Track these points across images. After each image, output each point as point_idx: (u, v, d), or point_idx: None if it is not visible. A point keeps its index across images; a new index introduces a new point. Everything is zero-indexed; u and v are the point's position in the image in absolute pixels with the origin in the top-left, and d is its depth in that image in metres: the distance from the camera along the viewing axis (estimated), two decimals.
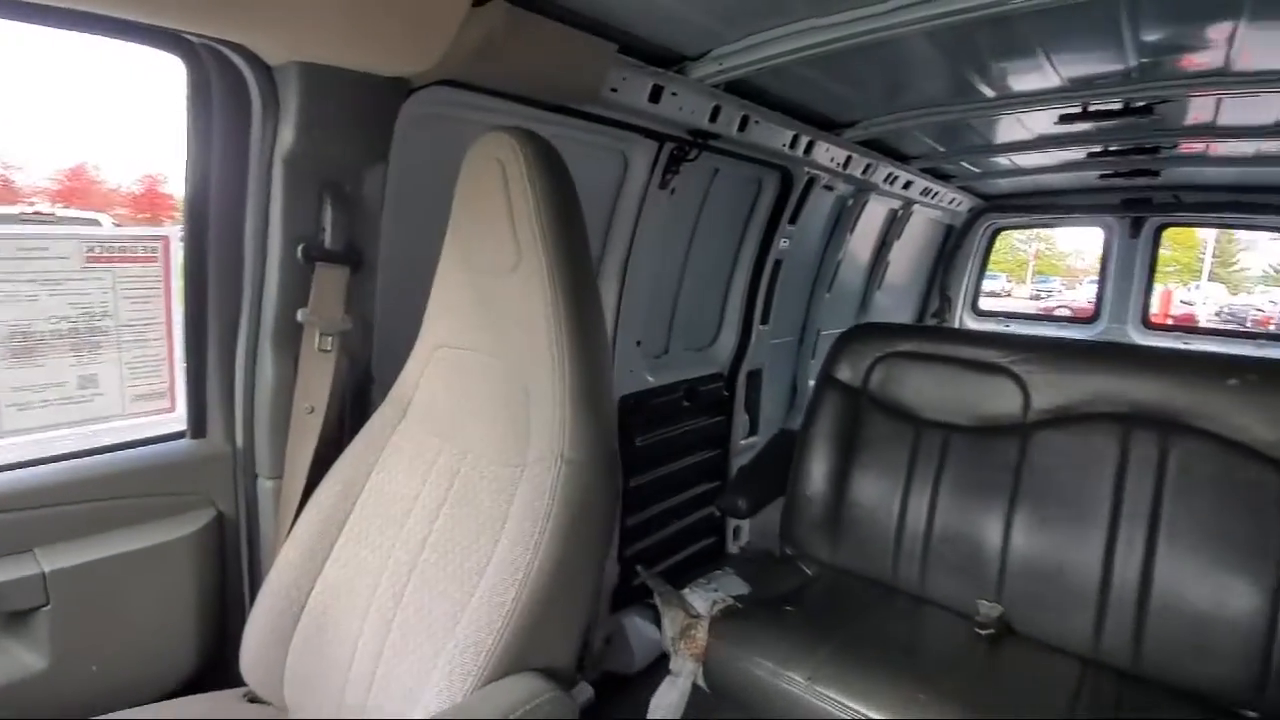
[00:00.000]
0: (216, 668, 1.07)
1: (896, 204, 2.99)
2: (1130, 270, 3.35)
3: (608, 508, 0.89)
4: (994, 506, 1.38)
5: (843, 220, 2.69)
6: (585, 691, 1.82)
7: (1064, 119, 1.81)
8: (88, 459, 1.02)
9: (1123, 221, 3.30)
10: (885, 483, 1.53)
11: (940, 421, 1.51)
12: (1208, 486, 1.21)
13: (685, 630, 1.19)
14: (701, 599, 1.28)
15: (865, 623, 1.34)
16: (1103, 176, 2.76)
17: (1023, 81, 1.64)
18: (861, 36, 1.26)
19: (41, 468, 0.96)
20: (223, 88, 0.96)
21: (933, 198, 3.05)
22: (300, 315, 1.05)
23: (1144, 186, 2.90)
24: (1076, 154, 2.37)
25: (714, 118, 1.60)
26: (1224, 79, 1.46)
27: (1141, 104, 1.64)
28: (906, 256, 3.54)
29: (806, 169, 2.13)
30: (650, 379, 1.97)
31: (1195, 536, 1.19)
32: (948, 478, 1.46)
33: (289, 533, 1.04)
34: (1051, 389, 1.39)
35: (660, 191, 1.76)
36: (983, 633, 1.30)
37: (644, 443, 1.94)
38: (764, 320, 2.37)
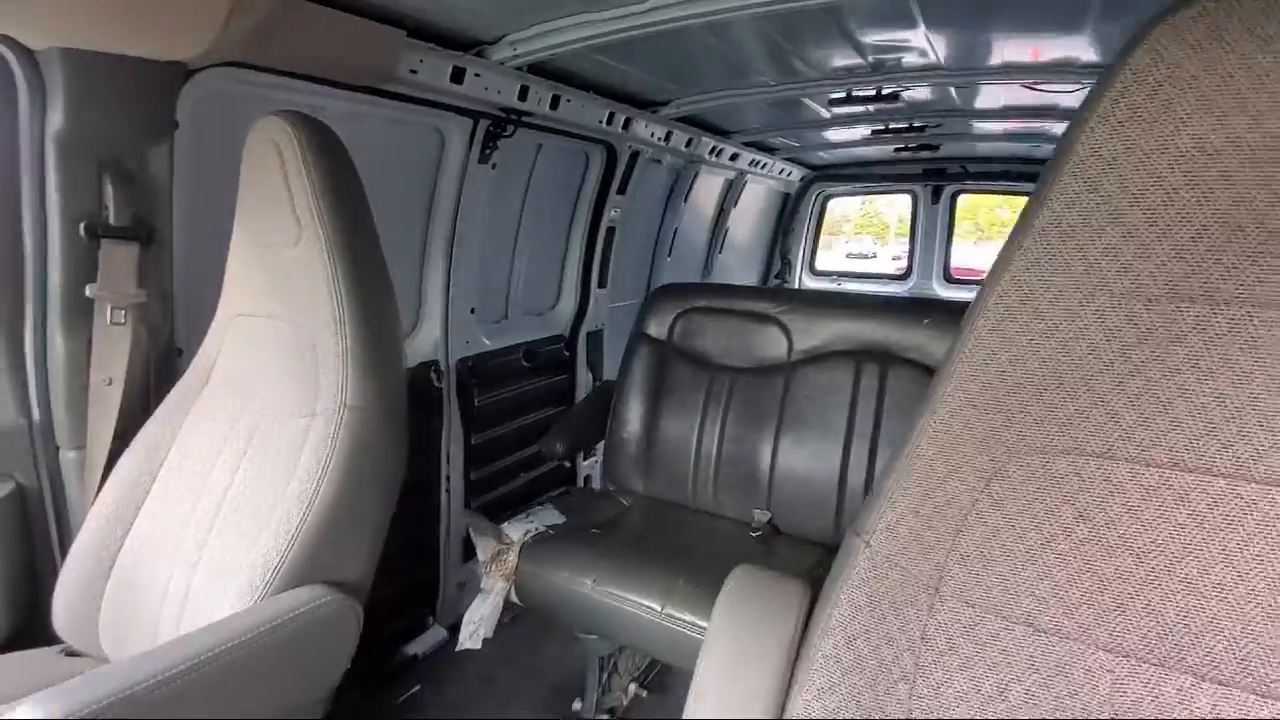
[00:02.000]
0: (31, 630, 1.12)
1: (730, 174, 3.26)
2: (934, 232, 3.85)
3: (391, 447, 1.03)
4: (765, 433, 1.65)
5: (676, 190, 2.93)
6: (438, 634, 1.98)
7: (832, 102, 2.10)
8: None
9: (925, 189, 3.78)
10: (685, 421, 1.77)
11: (727, 365, 1.76)
12: (914, 404, 1.53)
13: (496, 555, 1.37)
14: (516, 529, 1.46)
15: (661, 538, 1.58)
16: (896, 150, 3.15)
17: (793, 70, 1.89)
18: (631, 30, 1.43)
19: None
20: None
21: (762, 169, 3.35)
22: (89, 290, 1.10)
23: (929, 159, 3.35)
24: (865, 130, 2.71)
25: (523, 96, 1.72)
26: (938, 72, 1.78)
27: (888, 91, 1.95)
28: (748, 223, 3.86)
29: (629, 144, 2.32)
30: (487, 342, 2.11)
31: None
32: (733, 413, 1.72)
33: (95, 497, 1.10)
34: (807, 334, 1.67)
35: (481, 166, 1.87)
36: (755, 535, 1.58)
37: (483, 401, 2.08)
38: (601, 284, 2.56)
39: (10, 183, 1.04)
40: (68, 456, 1.16)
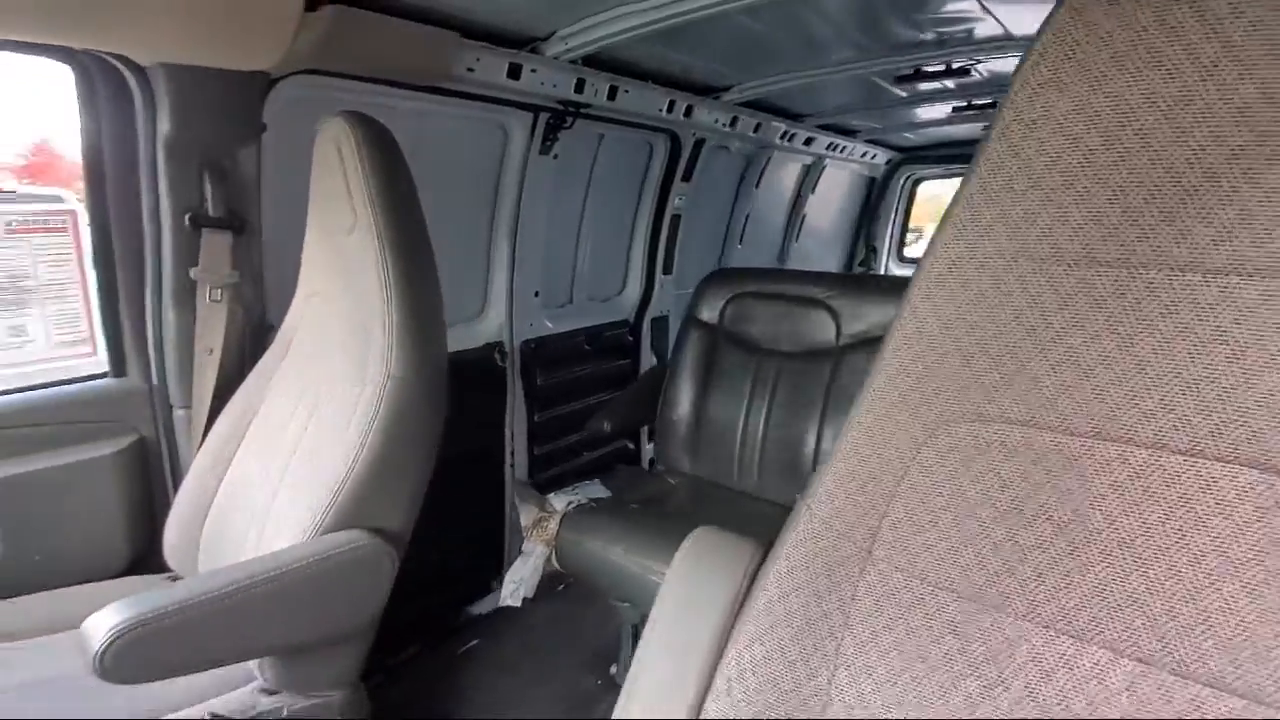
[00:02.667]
0: (147, 560, 1.34)
1: (807, 159, 3.19)
2: None
3: (430, 413, 1.13)
4: (811, 418, 1.64)
5: (747, 176, 2.91)
6: (499, 596, 2.13)
7: (899, 80, 2.02)
8: (29, 394, 1.27)
9: None
10: (733, 404, 1.79)
11: (776, 350, 1.76)
12: None
13: (538, 522, 1.47)
14: (561, 500, 1.55)
15: (699, 516, 1.61)
16: (984, 128, 2.96)
17: (856, 47, 1.84)
18: (675, 18, 1.46)
19: None
20: (108, 87, 1.18)
21: (842, 152, 3.25)
22: (192, 273, 1.29)
23: None
24: (946, 109, 2.57)
25: (579, 89, 1.80)
26: (1008, 42, 1.68)
27: (958, 65, 1.85)
28: (830, 209, 3.75)
29: (692, 131, 2.34)
30: (550, 325, 2.22)
31: None
32: (779, 397, 1.72)
33: (199, 449, 1.30)
34: (855, 318, 1.64)
35: (542, 157, 1.96)
36: None
37: (546, 381, 2.20)
38: (666, 271, 2.60)
39: (130, 182, 1.24)
40: (178, 414, 1.37)
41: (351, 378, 1.15)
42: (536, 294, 2.15)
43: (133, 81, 1.17)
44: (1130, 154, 0.43)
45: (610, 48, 1.64)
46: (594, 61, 1.78)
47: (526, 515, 1.47)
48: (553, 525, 1.47)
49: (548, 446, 2.25)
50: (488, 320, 2.07)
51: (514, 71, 1.62)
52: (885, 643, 0.55)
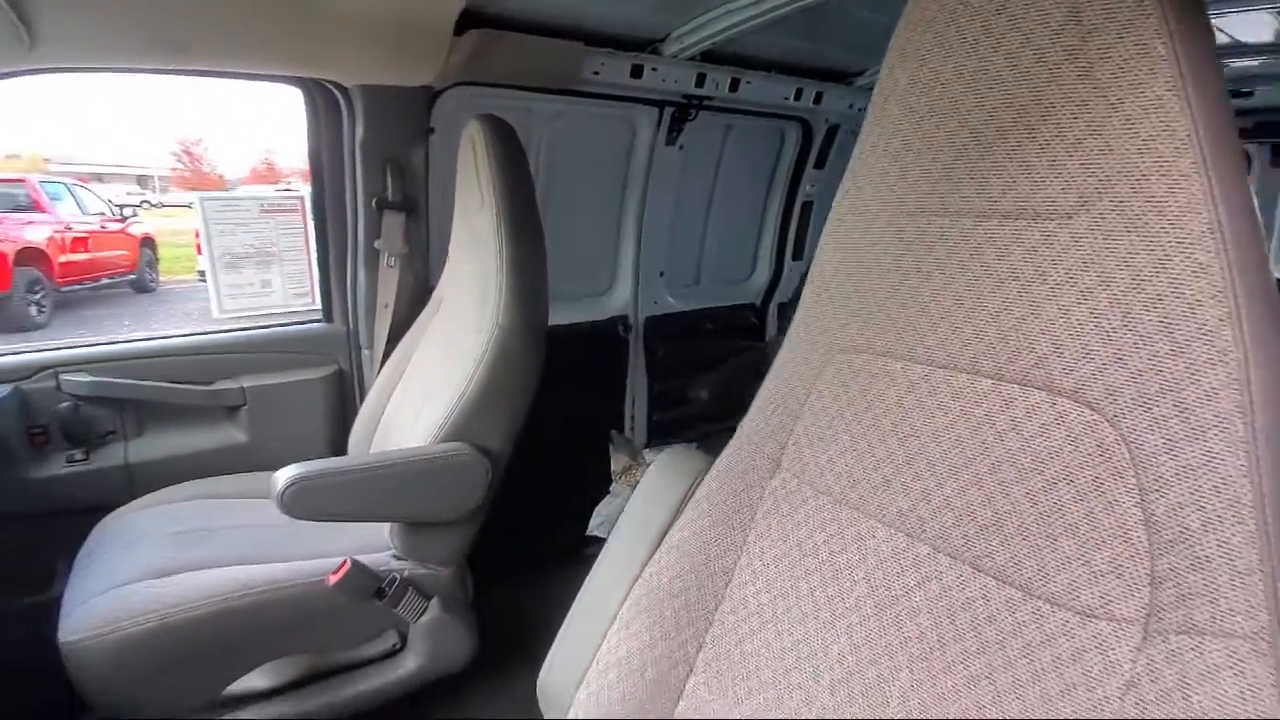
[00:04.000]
0: (339, 451, 1.77)
1: None
2: (1274, 202, 2.99)
3: (529, 359, 1.38)
4: None
5: None
6: None
7: None
8: (271, 330, 1.76)
9: (1261, 149, 2.95)
10: None
11: None
12: None
13: (627, 469, 1.67)
14: (653, 454, 1.74)
15: None
16: None
17: None
18: (779, 9, 1.56)
19: (245, 332, 1.71)
20: (325, 104, 1.59)
21: None
22: (376, 244, 1.68)
23: (1250, 109, 2.61)
24: None
25: (700, 83, 1.95)
26: None
27: None
28: None
29: (824, 118, 2.37)
30: (674, 303, 2.41)
31: None
32: None
33: (376, 379, 1.69)
34: None
35: (669, 148, 2.15)
36: None
37: (666, 356, 2.39)
38: (796, 257, 2.66)
39: (337, 175, 1.65)
40: (364, 352, 1.79)
41: (472, 326, 1.45)
42: (661, 274, 2.35)
43: (341, 99, 1.57)
44: (946, 119, 0.51)
45: (727, 42, 1.78)
46: (715, 56, 1.92)
47: (617, 462, 1.69)
48: (639, 474, 1.67)
49: (665, 415, 2.45)
50: (615, 295, 2.31)
51: (636, 71, 1.82)
52: (775, 534, 0.66)
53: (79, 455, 1.50)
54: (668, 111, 2.08)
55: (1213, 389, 0.40)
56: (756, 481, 0.69)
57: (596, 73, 1.77)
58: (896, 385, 0.58)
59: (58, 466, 1.48)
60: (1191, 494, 0.41)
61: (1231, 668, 0.39)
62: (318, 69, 1.48)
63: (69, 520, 1.39)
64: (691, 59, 1.88)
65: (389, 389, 1.64)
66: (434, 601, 1.34)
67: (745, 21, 1.63)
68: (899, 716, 0.53)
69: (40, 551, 1.39)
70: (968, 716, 0.50)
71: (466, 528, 1.36)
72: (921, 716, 0.52)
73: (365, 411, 1.65)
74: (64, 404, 1.48)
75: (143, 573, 1.15)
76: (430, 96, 1.64)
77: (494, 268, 1.39)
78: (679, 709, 0.69)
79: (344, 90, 1.56)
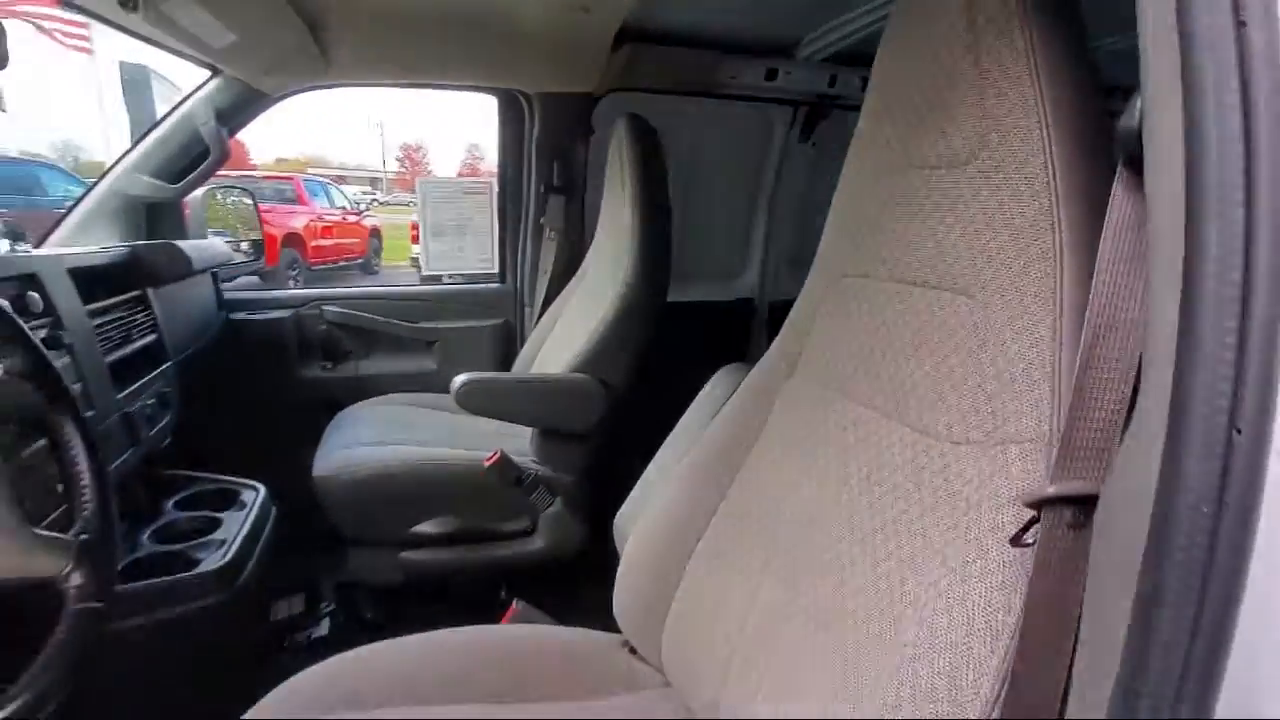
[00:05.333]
0: None
1: None
2: None
3: (645, 314, 1.68)
4: None
5: None
6: None
7: None
8: (461, 286, 2.24)
9: None
10: None
11: None
12: None
13: None
14: None
15: None
16: None
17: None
18: None
19: (442, 287, 2.20)
20: (513, 110, 2.02)
21: None
22: (541, 221, 2.09)
23: None
24: None
25: (832, 84, 2.13)
26: None
27: None
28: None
29: None
30: (797, 289, 2.58)
31: None
32: None
33: (532, 331, 2.10)
34: None
35: (801, 144, 2.35)
36: None
37: None
38: None
39: (516, 166, 2.08)
40: (526, 309, 2.21)
41: (606, 287, 1.78)
42: (790, 262, 2.54)
43: (524, 105, 1.99)
44: (901, 90, 0.72)
45: (858, 44, 1.94)
46: (846, 58, 2.08)
47: None
48: None
49: None
50: (743, 279, 2.55)
51: (770, 75, 2.05)
52: (784, 421, 0.89)
53: (329, 365, 2.07)
54: (801, 111, 2.27)
55: (1038, 277, 0.58)
56: (774, 383, 0.92)
57: (734, 77, 2.02)
58: (869, 297, 0.78)
59: (316, 371, 2.06)
60: (1017, 350, 0.59)
61: (1022, 460, 0.57)
62: (509, 80, 1.91)
63: (319, 410, 1.93)
64: (825, 61, 2.07)
65: (541, 339, 2.03)
66: (559, 500, 1.68)
67: (873, 24, 1.79)
68: (843, 534, 0.74)
69: (306, 427, 1.94)
70: (888, 520, 0.70)
71: (584, 447, 1.70)
72: (857, 530, 0.72)
73: (523, 355, 2.06)
74: (322, 327, 2.05)
75: (366, 442, 1.62)
76: (592, 102, 2.00)
77: (627, 240, 1.71)
78: (697, 548, 0.93)
79: (527, 97, 1.97)
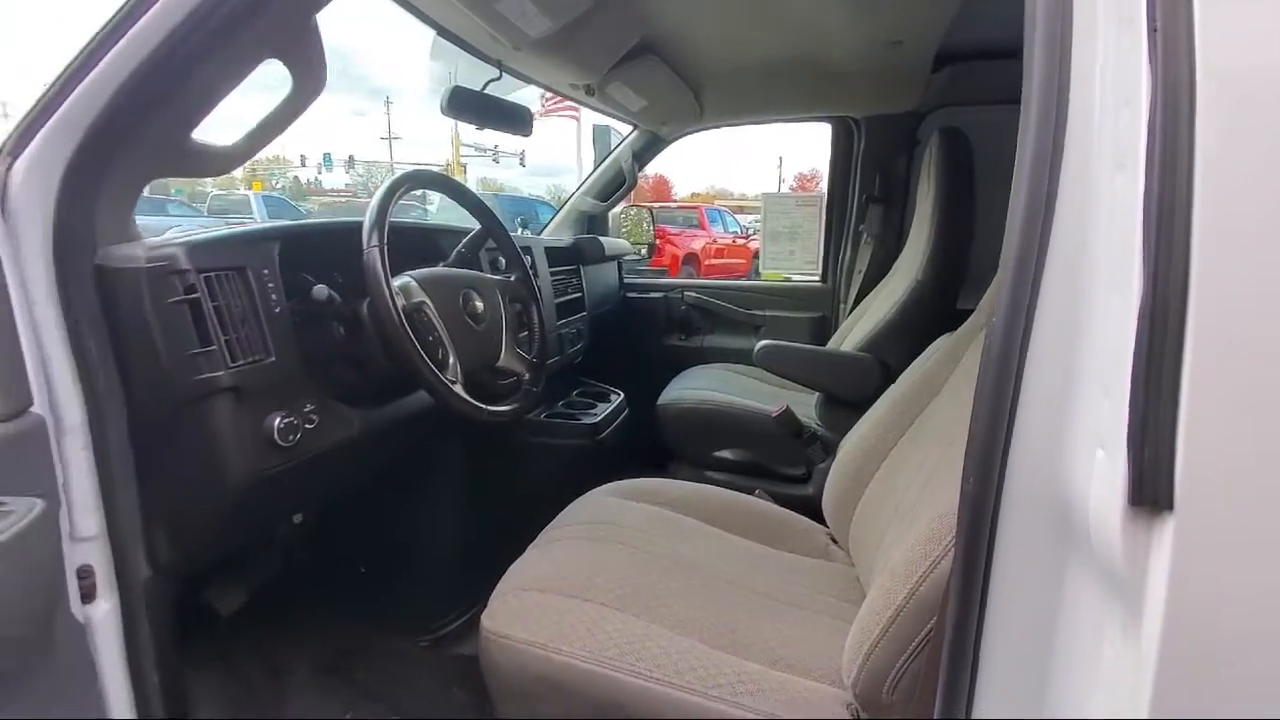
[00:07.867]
0: None
1: None
2: None
3: (933, 306, 1.85)
4: None
5: None
6: None
7: None
8: (786, 284, 2.70)
9: None
10: None
11: None
12: None
13: None
14: None
15: None
16: None
17: None
18: None
19: (773, 283, 2.69)
20: (844, 134, 2.38)
21: None
22: (861, 227, 2.39)
23: None
24: None
25: None
26: None
27: None
28: None
29: None
30: None
31: None
32: None
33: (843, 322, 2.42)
34: None
35: None
36: None
37: None
38: None
39: (845, 177, 2.43)
40: (840, 305, 2.53)
41: (902, 280, 2.00)
42: None
43: (854, 127, 2.34)
44: None
45: None
46: None
47: None
48: None
49: None
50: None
51: None
52: (961, 379, 1.10)
53: (683, 337, 2.76)
54: None
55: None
56: (960, 349, 1.13)
57: None
58: None
59: (674, 340, 2.76)
60: None
61: None
62: (842, 109, 2.29)
63: (670, 369, 2.60)
64: None
65: (848, 329, 2.34)
66: (830, 459, 1.99)
67: None
68: None
69: (661, 381, 2.63)
70: None
71: (860, 416, 1.95)
72: None
73: (831, 341, 2.40)
74: (682, 308, 2.75)
75: (695, 388, 2.20)
76: (917, 119, 2.23)
77: (924, 239, 1.92)
78: (879, 468, 1.19)
79: (857, 123, 2.32)
